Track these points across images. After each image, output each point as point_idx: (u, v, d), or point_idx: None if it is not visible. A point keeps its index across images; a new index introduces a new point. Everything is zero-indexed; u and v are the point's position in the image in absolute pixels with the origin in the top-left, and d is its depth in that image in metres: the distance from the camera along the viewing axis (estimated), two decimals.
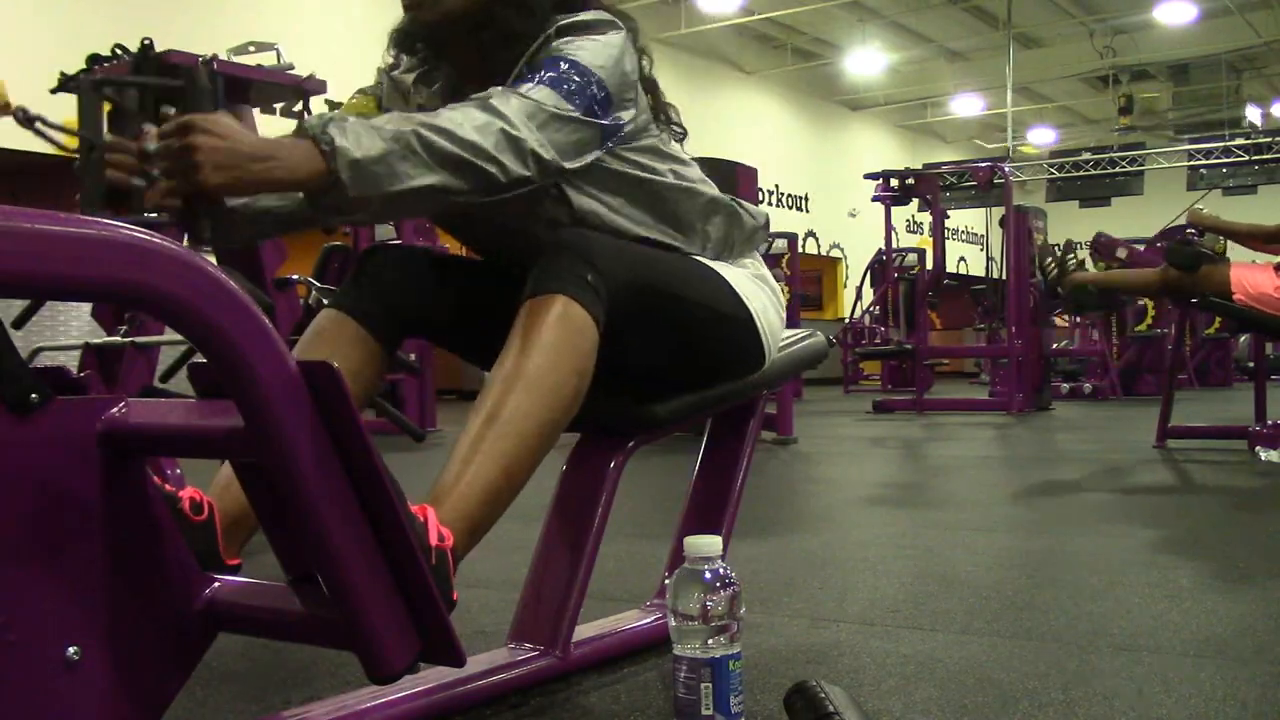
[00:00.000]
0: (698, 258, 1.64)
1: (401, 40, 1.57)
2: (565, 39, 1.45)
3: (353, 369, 1.44)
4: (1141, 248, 8.23)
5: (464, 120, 1.31)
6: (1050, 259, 5.42)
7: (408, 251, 1.58)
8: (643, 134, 1.56)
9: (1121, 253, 6.34)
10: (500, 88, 1.39)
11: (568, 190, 1.50)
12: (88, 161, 1.27)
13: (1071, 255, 5.37)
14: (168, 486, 1.35)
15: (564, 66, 1.41)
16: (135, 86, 1.28)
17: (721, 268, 1.64)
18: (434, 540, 1.17)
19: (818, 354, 1.88)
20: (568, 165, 1.42)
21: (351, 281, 1.54)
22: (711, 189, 1.66)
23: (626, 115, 1.51)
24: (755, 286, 1.66)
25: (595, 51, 1.45)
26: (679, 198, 1.60)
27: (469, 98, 1.36)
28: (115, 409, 1.02)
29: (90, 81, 1.27)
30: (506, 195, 1.37)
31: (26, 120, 1.33)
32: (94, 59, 4.38)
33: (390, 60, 1.65)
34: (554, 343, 1.32)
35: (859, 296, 13.43)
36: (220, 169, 1.16)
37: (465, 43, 1.51)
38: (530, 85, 1.39)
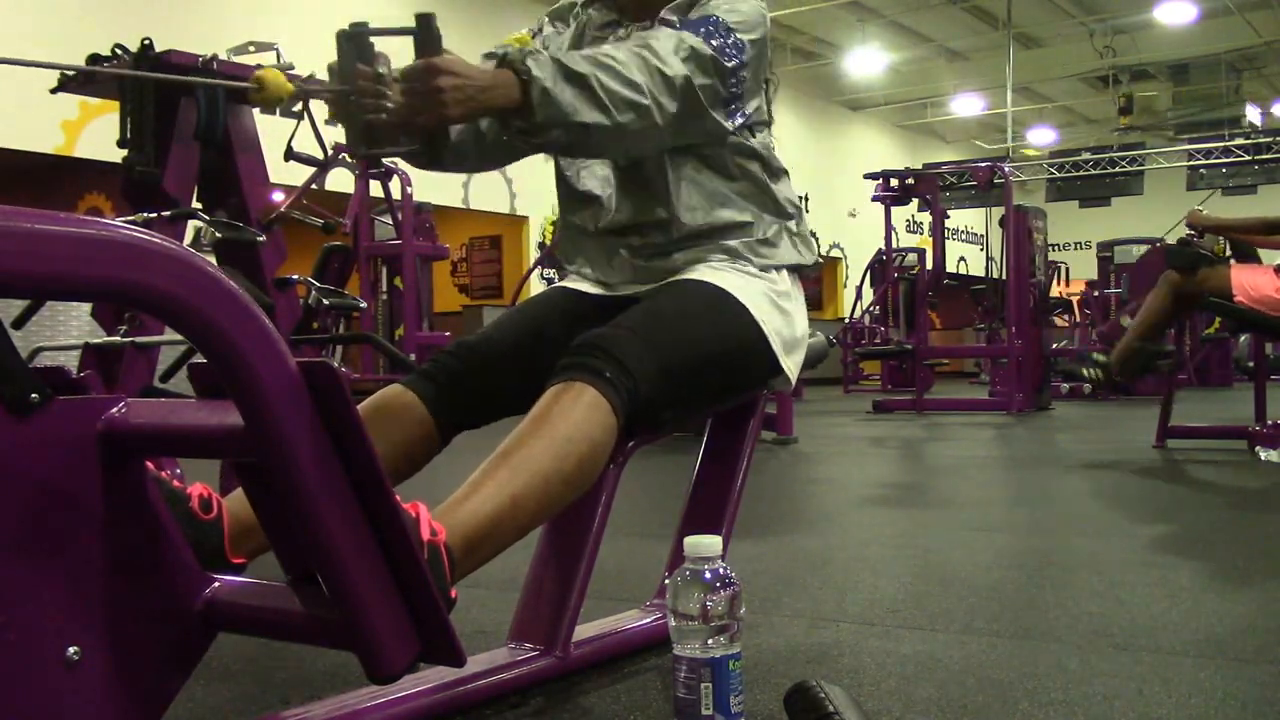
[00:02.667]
0: (716, 269, 1.66)
1: None
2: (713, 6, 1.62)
3: (406, 446, 1.53)
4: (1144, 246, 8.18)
5: (628, 60, 1.48)
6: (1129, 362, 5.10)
7: (484, 359, 1.64)
8: (755, 114, 1.70)
9: (1125, 320, 6.21)
10: (658, 31, 1.56)
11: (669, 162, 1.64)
12: (346, 105, 1.43)
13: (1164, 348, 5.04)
14: (176, 483, 1.35)
15: (713, 24, 1.57)
16: (379, 33, 1.44)
17: (741, 284, 1.66)
18: (425, 535, 1.17)
19: (818, 354, 1.88)
20: (705, 126, 1.59)
21: (431, 366, 1.62)
22: (787, 186, 1.78)
23: (755, 99, 1.68)
24: (771, 307, 1.68)
25: (740, 18, 1.61)
26: (759, 185, 1.73)
27: (631, 37, 1.55)
28: (115, 409, 1.02)
29: (344, 32, 1.42)
30: (655, 141, 1.57)
31: (304, 93, 1.49)
32: (94, 58, 4.38)
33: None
34: (568, 410, 1.38)
35: (859, 296, 13.44)
36: (459, 103, 1.37)
37: None
38: (682, 34, 1.55)
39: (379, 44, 1.45)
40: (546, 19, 1.86)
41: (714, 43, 1.56)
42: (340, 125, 1.46)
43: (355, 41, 1.43)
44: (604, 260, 1.76)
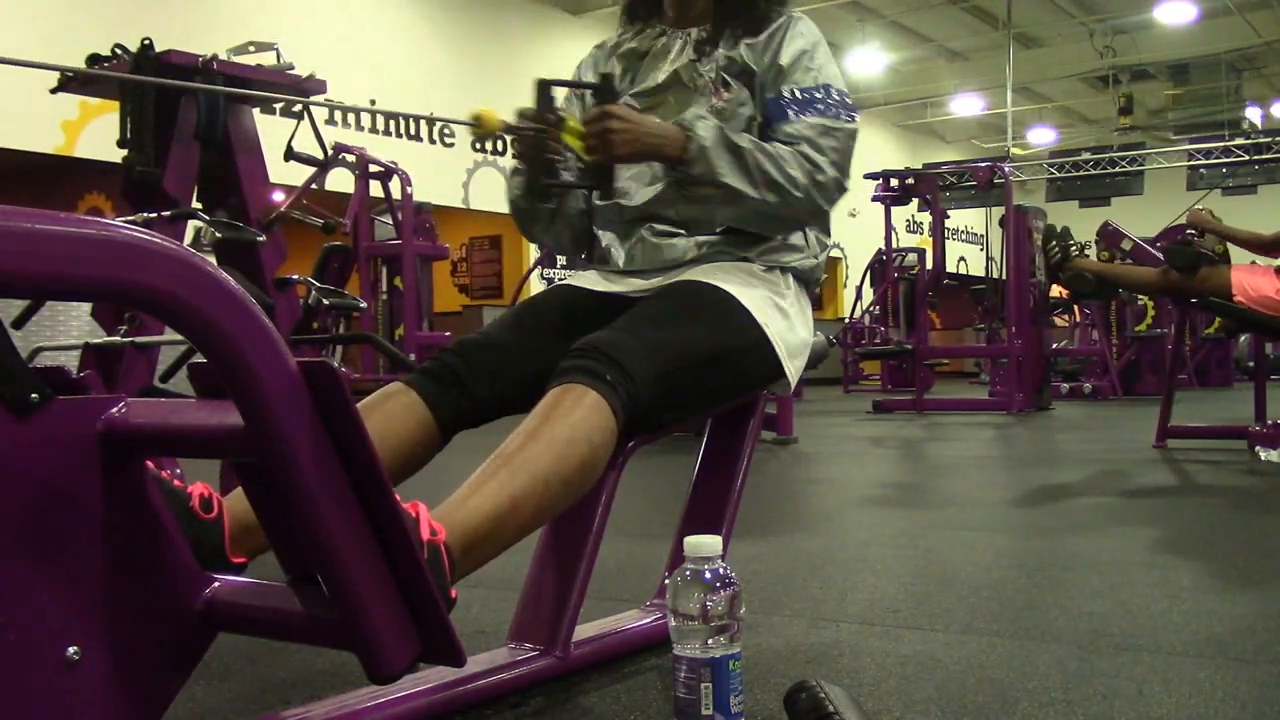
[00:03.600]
0: (720, 271, 1.68)
1: (632, 6, 1.94)
2: (813, 39, 1.80)
3: (406, 445, 1.53)
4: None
5: (787, 157, 1.66)
6: (1054, 242, 5.40)
7: (485, 358, 1.64)
8: None
9: (1127, 244, 6.30)
10: (803, 128, 1.70)
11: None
12: (538, 145, 1.66)
13: (1075, 243, 5.35)
14: (177, 482, 1.35)
15: (834, 94, 1.73)
16: (566, 84, 1.76)
17: (745, 288, 1.67)
18: (425, 535, 1.17)
19: (818, 354, 1.88)
20: (847, 182, 1.74)
21: (432, 365, 1.62)
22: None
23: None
24: (775, 312, 1.69)
25: (832, 65, 1.78)
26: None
27: (790, 144, 1.68)
28: (115, 409, 1.02)
29: (541, 81, 1.66)
30: (800, 224, 1.76)
31: (510, 130, 1.69)
32: (94, 58, 4.39)
33: (615, 37, 1.96)
34: (568, 412, 1.39)
35: (859, 296, 13.44)
36: (627, 143, 1.61)
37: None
38: (816, 120, 1.70)
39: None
40: (583, 64, 1.96)
41: (832, 115, 1.71)
42: (522, 160, 1.72)
43: (544, 89, 1.66)
44: (621, 243, 1.79)
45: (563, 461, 1.36)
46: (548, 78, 1.67)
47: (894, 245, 10.82)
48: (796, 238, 1.77)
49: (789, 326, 1.70)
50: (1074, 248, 5.30)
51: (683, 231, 1.73)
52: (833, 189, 1.70)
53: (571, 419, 1.38)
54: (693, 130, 1.62)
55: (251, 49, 4.49)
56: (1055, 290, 9.80)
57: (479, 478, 1.33)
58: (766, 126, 1.73)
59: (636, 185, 1.77)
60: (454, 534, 1.24)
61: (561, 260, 13.17)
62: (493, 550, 1.30)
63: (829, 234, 1.84)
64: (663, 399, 1.52)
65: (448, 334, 7.77)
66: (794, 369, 1.71)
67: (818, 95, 1.72)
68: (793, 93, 1.72)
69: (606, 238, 1.83)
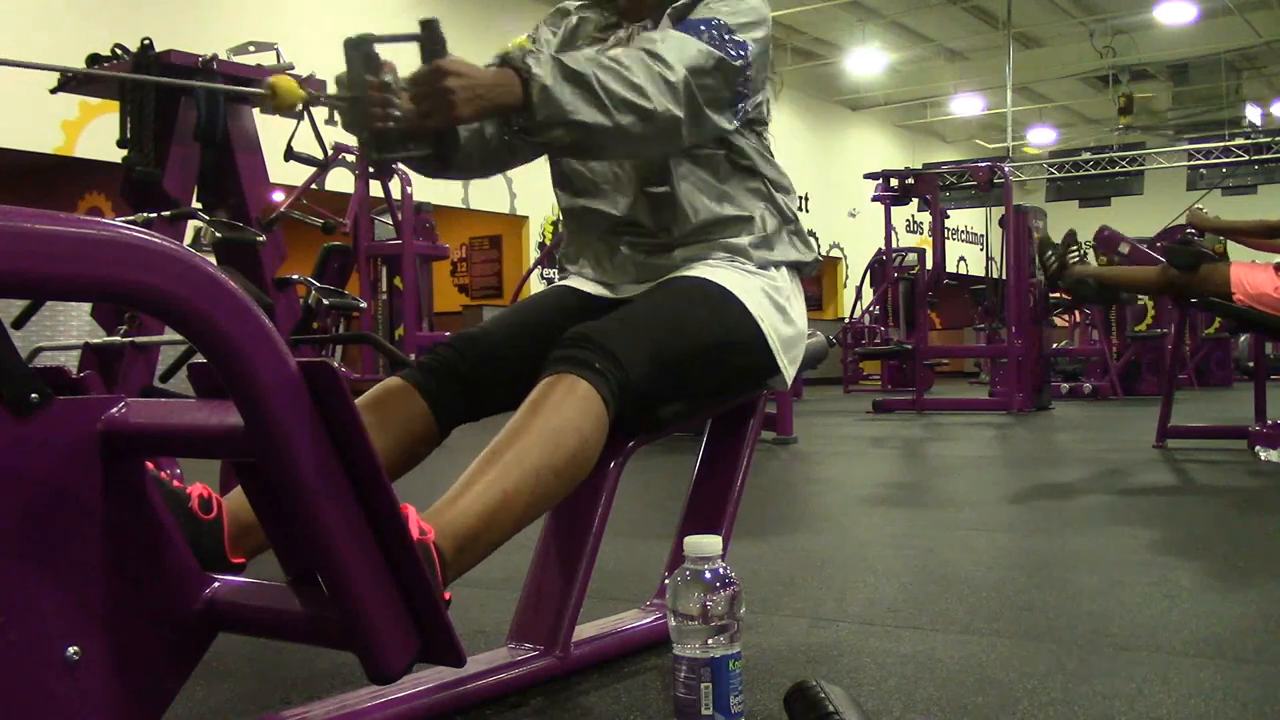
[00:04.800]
0: (714, 266, 1.66)
1: None
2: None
3: (405, 440, 1.53)
4: (1145, 245, 8.21)
5: (631, 63, 1.49)
6: (1050, 252, 5.39)
7: (484, 353, 1.63)
8: (757, 113, 1.72)
9: (1124, 248, 6.32)
10: (662, 34, 1.56)
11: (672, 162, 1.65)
12: (356, 114, 1.44)
13: (1075, 248, 5.33)
14: (176, 483, 1.35)
15: (715, 26, 1.58)
16: (384, 40, 1.46)
17: (739, 280, 1.66)
18: (414, 534, 1.17)
19: (818, 354, 1.88)
20: (708, 129, 1.60)
21: (430, 359, 1.61)
22: (784, 184, 1.78)
23: (758, 95, 1.68)
24: (769, 304, 1.68)
25: (743, 19, 1.62)
26: (758, 181, 1.74)
27: (633, 39, 1.57)
28: (115, 409, 1.02)
29: (351, 41, 1.43)
30: (660, 145, 1.58)
31: (314, 101, 1.53)
32: (94, 58, 4.39)
33: (573, 9, 1.84)
34: (558, 403, 1.38)
35: (859, 296, 13.44)
36: (469, 102, 1.40)
37: None
38: (686, 36, 1.56)
39: (384, 52, 1.46)
40: (543, 23, 1.87)
41: (717, 43, 1.57)
42: (352, 134, 1.48)
43: (361, 50, 1.44)
44: (606, 258, 1.76)
45: (554, 453, 1.35)
46: (360, 35, 1.45)
47: (894, 245, 10.82)
48: (776, 231, 1.75)
49: (784, 319, 1.70)
50: (1075, 253, 5.28)
51: (663, 236, 1.71)
52: (681, 92, 1.52)
53: (562, 410, 1.38)
54: (529, 72, 1.42)
55: (251, 49, 4.49)
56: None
57: (470, 475, 1.32)
58: None
59: (615, 194, 1.73)
60: (446, 533, 1.24)
61: (559, 263, 13.16)
62: (488, 547, 1.30)
63: (810, 246, 1.80)
64: (656, 388, 1.51)
65: (448, 334, 7.75)
66: (789, 361, 1.70)
67: (701, 29, 1.58)
68: (692, 23, 1.60)
69: (585, 250, 1.81)
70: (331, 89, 1.51)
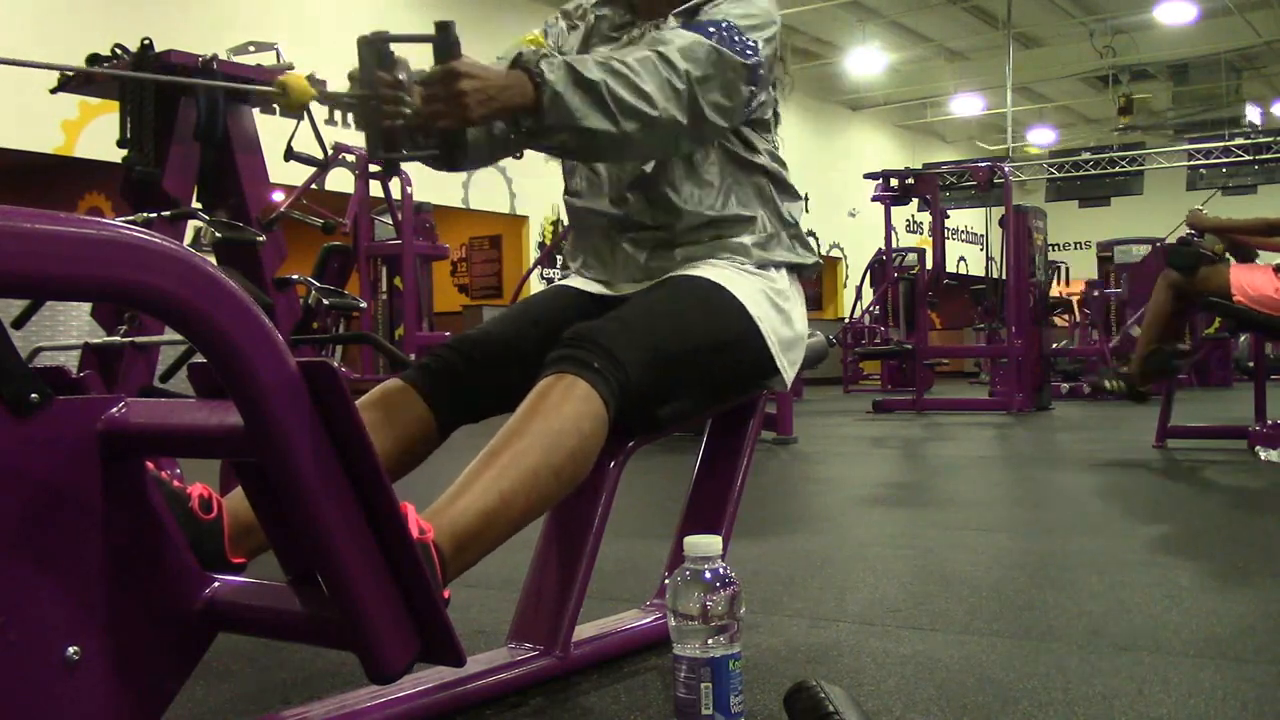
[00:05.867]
0: (715, 266, 1.66)
1: None
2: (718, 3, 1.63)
3: (405, 441, 1.53)
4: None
5: (640, 68, 1.50)
6: (1122, 372, 4.97)
7: (484, 354, 1.63)
8: (763, 114, 1.73)
9: (1135, 330, 6.20)
10: (672, 34, 1.57)
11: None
12: (367, 111, 1.46)
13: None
14: (176, 483, 1.35)
15: (724, 28, 1.59)
16: (399, 39, 1.48)
17: (738, 280, 1.66)
18: (414, 533, 1.17)
19: (818, 354, 1.88)
20: (710, 131, 1.61)
21: (431, 360, 1.62)
22: (789, 185, 1.79)
23: (763, 95, 1.68)
24: (769, 305, 1.68)
25: (752, 20, 1.62)
26: (761, 182, 1.74)
27: (642, 44, 1.57)
28: (115, 409, 1.02)
29: (365, 39, 1.46)
30: (660, 149, 1.60)
31: (326, 98, 1.56)
32: (94, 58, 4.39)
33: (587, 8, 1.84)
34: (557, 402, 1.39)
35: (859, 296, 13.43)
36: (480, 104, 1.42)
37: None
38: (696, 38, 1.56)
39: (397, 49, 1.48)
40: (559, 14, 1.87)
41: (726, 44, 1.57)
42: (362, 131, 1.50)
43: (375, 48, 1.45)
44: (608, 255, 1.76)
45: (553, 453, 1.35)
46: (375, 33, 1.47)
47: (894, 245, 10.81)
48: (777, 231, 1.75)
49: (783, 320, 1.70)
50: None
51: (666, 235, 1.71)
52: (688, 98, 1.53)
53: (561, 409, 1.38)
54: (542, 77, 1.44)
55: (251, 49, 4.49)
56: (1055, 290, 9.80)
57: (469, 474, 1.32)
58: None
59: (617, 193, 1.74)
60: (445, 532, 1.24)
61: (561, 260, 13.17)
62: (487, 546, 1.30)
63: (811, 250, 1.81)
64: (654, 388, 1.51)
65: (448, 334, 7.76)
66: (788, 362, 1.70)
67: (710, 30, 1.58)
68: (699, 25, 1.60)
69: (587, 248, 1.81)
70: (343, 86, 1.51)
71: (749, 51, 1.60)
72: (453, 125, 1.45)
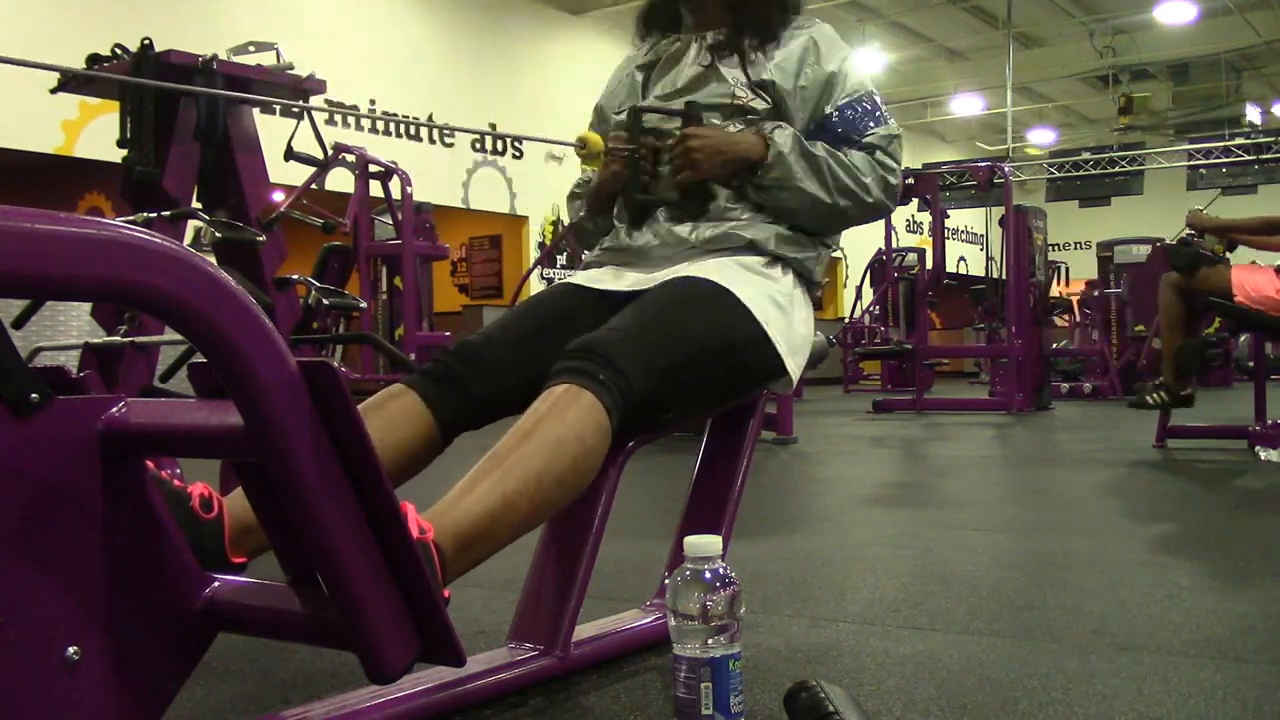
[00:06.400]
0: (720, 268, 1.68)
1: (649, 14, 2.00)
2: (841, 55, 1.85)
3: (407, 447, 1.53)
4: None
5: (863, 166, 1.79)
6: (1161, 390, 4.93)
7: (486, 360, 1.64)
8: None
9: (1155, 342, 6.14)
10: (881, 137, 1.82)
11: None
12: (631, 164, 1.82)
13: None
14: (177, 482, 1.35)
15: (876, 101, 1.85)
16: (658, 111, 1.89)
17: (743, 283, 1.66)
18: (414, 533, 1.17)
19: (818, 354, 1.88)
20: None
21: (433, 366, 1.62)
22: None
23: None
24: (773, 307, 1.69)
25: (864, 72, 1.88)
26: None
27: (861, 149, 1.80)
28: (115, 409, 1.02)
29: (634, 108, 1.84)
30: (863, 223, 1.86)
31: (609, 151, 1.88)
32: (94, 58, 4.39)
33: (635, 49, 2.02)
34: (562, 412, 1.40)
35: (859, 296, 13.44)
36: (708, 157, 1.74)
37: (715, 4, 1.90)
38: (879, 129, 1.82)
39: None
40: (636, 68, 1.98)
41: (882, 124, 1.82)
42: (616, 180, 1.85)
43: (636, 115, 1.83)
44: (638, 222, 1.84)
45: (556, 461, 1.36)
46: (641, 104, 1.85)
47: (894, 245, 10.82)
48: (798, 245, 1.79)
49: (789, 323, 1.70)
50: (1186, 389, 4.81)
51: (695, 211, 1.80)
52: (898, 191, 1.85)
53: (565, 419, 1.39)
54: (771, 138, 1.74)
55: (251, 49, 4.49)
56: (1055, 290, 9.79)
57: (472, 478, 1.33)
58: (831, 140, 1.81)
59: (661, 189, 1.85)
60: (447, 534, 1.24)
61: (561, 260, 13.18)
62: (487, 550, 1.30)
63: (820, 264, 1.87)
64: (659, 395, 1.51)
65: (448, 334, 7.76)
66: (794, 366, 1.71)
67: (866, 105, 1.83)
68: (851, 105, 1.82)
69: (609, 220, 1.91)
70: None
71: (890, 115, 1.86)
72: (690, 177, 1.75)
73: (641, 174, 1.82)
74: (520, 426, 1.39)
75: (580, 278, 1.81)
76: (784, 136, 1.75)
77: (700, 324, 1.59)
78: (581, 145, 1.90)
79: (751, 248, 1.74)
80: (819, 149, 1.76)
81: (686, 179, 1.76)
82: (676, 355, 1.54)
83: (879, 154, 1.81)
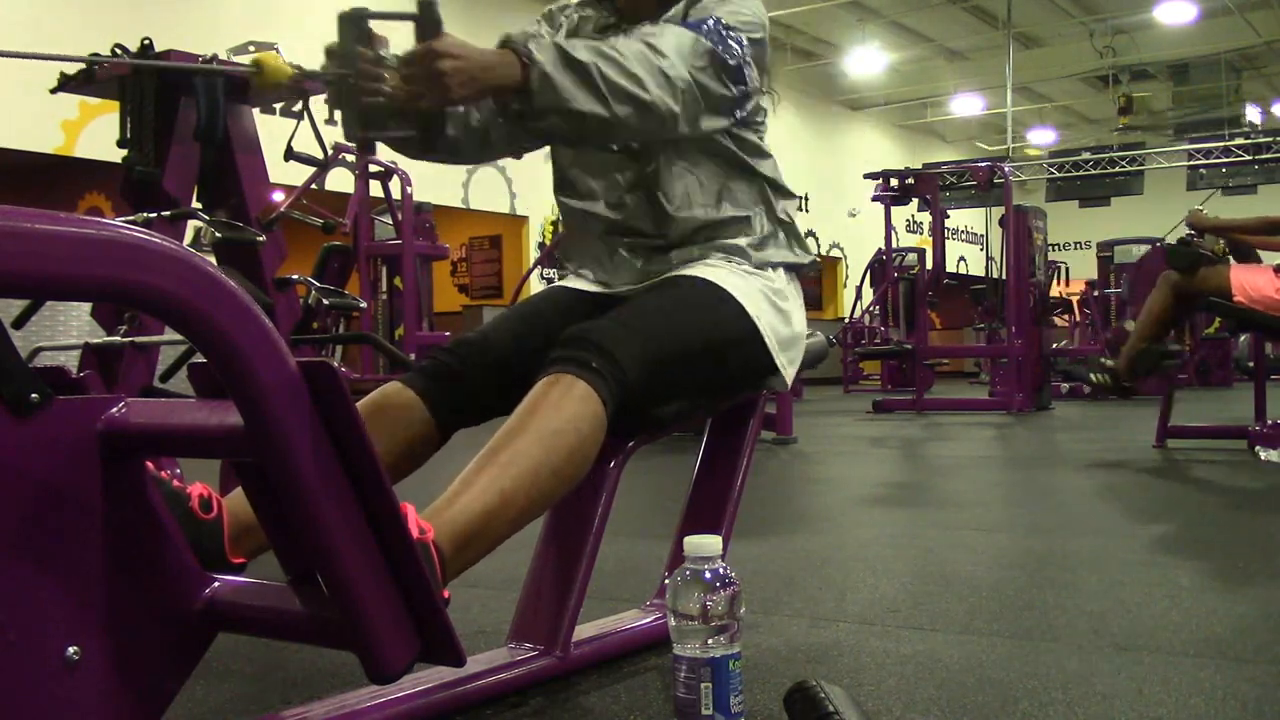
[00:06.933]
0: (712, 266, 1.66)
1: None
2: (726, 6, 1.62)
3: (405, 444, 1.53)
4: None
5: (631, 54, 1.48)
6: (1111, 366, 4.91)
7: (483, 357, 1.63)
8: (754, 114, 1.72)
9: (1129, 324, 6.15)
10: (661, 28, 1.56)
11: (667, 161, 1.66)
12: (344, 90, 1.44)
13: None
14: (176, 483, 1.35)
15: (713, 25, 1.58)
16: (379, 16, 1.46)
17: (736, 280, 1.66)
18: (414, 533, 1.17)
19: (818, 354, 1.88)
20: (704, 124, 1.59)
21: (430, 363, 1.62)
22: (781, 185, 1.79)
23: (754, 94, 1.67)
24: (767, 304, 1.68)
25: (741, 18, 1.62)
26: (755, 182, 1.74)
27: (634, 33, 1.54)
28: (115, 409, 1.02)
29: (344, 14, 1.44)
30: (653, 135, 1.59)
31: (303, 75, 1.51)
32: (94, 58, 4.38)
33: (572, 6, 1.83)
34: (556, 402, 1.39)
35: (859, 296, 13.44)
36: (462, 84, 1.39)
37: None
38: (685, 31, 1.55)
39: (378, 27, 1.46)
40: (541, 18, 1.87)
41: (715, 39, 1.57)
42: (337, 109, 1.47)
43: (354, 24, 1.43)
44: (605, 258, 1.76)
45: (552, 452, 1.35)
46: (354, 8, 1.44)
47: (894, 245, 10.81)
48: (773, 231, 1.76)
49: (782, 319, 1.70)
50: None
51: (662, 240, 1.71)
52: (686, 95, 1.52)
53: (560, 409, 1.38)
54: (531, 57, 1.41)
55: (251, 49, 4.48)
56: (1055, 290, 9.79)
57: (468, 474, 1.33)
58: None
59: (613, 198, 1.73)
60: (445, 532, 1.24)
61: (559, 259, 13.16)
62: (486, 546, 1.30)
63: (807, 249, 1.81)
64: (653, 387, 1.51)
65: (447, 334, 7.76)
66: (787, 361, 1.70)
67: (700, 27, 1.58)
68: (699, 23, 1.60)
69: (584, 251, 1.80)
70: (321, 63, 1.51)
71: (739, 47, 1.59)
72: (433, 105, 1.43)
73: (362, 99, 1.43)
74: (515, 418, 1.39)
75: (572, 281, 1.81)
76: (544, 51, 1.41)
77: (695, 319, 1.58)
78: (257, 70, 1.55)
79: (739, 253, 1.71)
80: (582, 50, 1.44)
81: (432, 105, 1.44)
82: (670, 346, 1.53)
83: (649, 38, 1.51)
